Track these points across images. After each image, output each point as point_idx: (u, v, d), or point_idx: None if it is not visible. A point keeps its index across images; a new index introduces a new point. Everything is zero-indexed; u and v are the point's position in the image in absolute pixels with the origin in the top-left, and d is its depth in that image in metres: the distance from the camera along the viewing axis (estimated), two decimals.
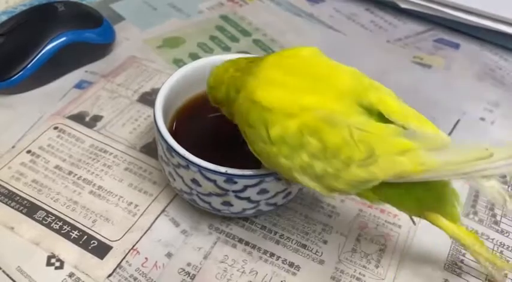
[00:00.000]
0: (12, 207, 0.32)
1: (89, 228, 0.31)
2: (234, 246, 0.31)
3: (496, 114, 0.42)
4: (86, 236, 0.31)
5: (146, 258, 0.30)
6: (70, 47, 0.40)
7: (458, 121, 0.40)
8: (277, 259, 0.31)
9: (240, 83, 0.27)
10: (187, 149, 0.28)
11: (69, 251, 0.30)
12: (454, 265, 0.31)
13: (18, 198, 0.32)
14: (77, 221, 0.31)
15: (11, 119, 0.37)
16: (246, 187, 0.28)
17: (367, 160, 0.23)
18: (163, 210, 0.32)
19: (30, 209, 0.32)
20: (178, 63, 0.44)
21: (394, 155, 0.23)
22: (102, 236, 0.31)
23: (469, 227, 0.33)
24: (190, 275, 0.29)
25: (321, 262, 0.31)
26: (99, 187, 0.33)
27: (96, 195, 0.33)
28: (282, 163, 0.25)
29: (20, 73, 0.38)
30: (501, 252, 0.32)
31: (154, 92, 0.40)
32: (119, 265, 0.30)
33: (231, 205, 0.29)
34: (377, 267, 0.30)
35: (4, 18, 0.44)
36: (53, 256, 0.30)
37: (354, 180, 0.24)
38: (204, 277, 0.29)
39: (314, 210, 0.33)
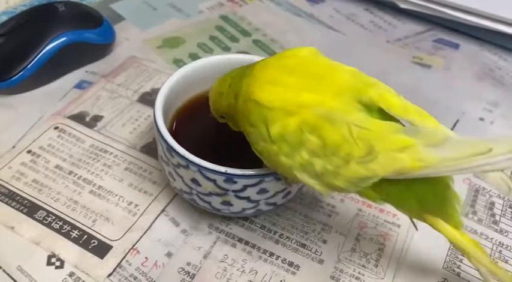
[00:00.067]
0: (13, 207, 0.32)
1: (89, 227, 0.31)
2: (234, 245, 0.31)
3: (495, 114, 0.42)
4: (86, 236, 0.31)
5: (146, 258, 0.30)
6: (70, 47, 0.40)
7: (457, 121, 0.41)
8: (277, 258, 0.31)
9: (238, 88, 0.27)
10: (187, 149, 0.28)
11: (69, 251, 0.30)
12: (453, 264, 0.31)
13: (18, 198, 0.32)
14: (77, 221, 0.31)
15: (11, 119, 0.38)
16: (245, 187, 0.28)
17: (367, 157, 0.23)
18: (163, 210, 0.32)
19: (30, 209, 0.32)
20: (178, 63, 0.44)
21: (394, 152, 0.23)
22: (102, 236, 0.31)
23: (468, 226, 0.33)
24: (190, 274, 0.30)
25: (321, 261, 0.31)
26: (100, 187, 0.33)
27: (96, 195, 0.33)
28: (283, 161, 0.25)
29: (21, 73, 0.38)
30: (500, 252, 0.32)
31: (154, 92, 0.40)
32: (119, 264, 0.30)
33: (231, 205, 0.29)
34: (376, 266, 0.31)
35: (4, 18, 0.44)
36: (53, 255, 0.30)
37: (353, 177, 0.24)
38: (203, 276, 0.29)
39: (313, 209, 0.33)
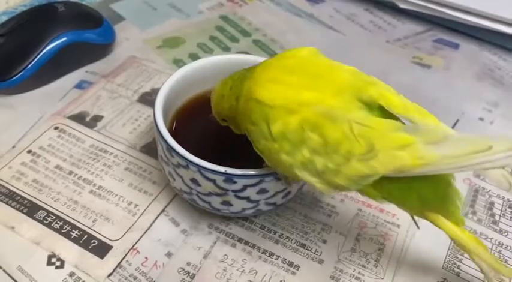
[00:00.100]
0: (13, 207, 0.32)
1: (89, 227, 0.31)
2: (234, 245, 0.31)
3: (495, 114, 0.42)
4: (86, 236, 0.31)
5: (146, 258, 0.30)
6: (70, 47, 0.40)
7: (457, 121, 0.41)
8: (277, 258, 0.31)
9: (239, 90, 0.27)
10: (187, 149, 0.28)
11: (69, 251, 0.30)
12: (452, 264, 0.31)
13: (18, 198, 0.32)
14: (77, 221, 0.31)
15: (11, 119, 0.38)
16: (245, 187, 0.28)
17: (367, 154, 0.23)
18: (163, 210, 0.33)
19: (30, 209, 0.32)
20: (178, 63, 0.44)
21: (394, 150, 0.23)
22: (103, 236, 0.31)
23: (467, 226, 0.33)
24: (190, 274, 0.30)
25: (320, 261, 0.31)
26: (100, 187, 0.34)
27: (97, 195, 0.33)
28: (284, 160, 0.25)
29: (21, 73, 0.39)
30: (500, 251, 0.32)
31: (154, 92, 0.40)
32: (119, 264, 0.30)
33: (231, 205, 0.29)
34: (376, 266, 0.31)
35: (4, 18, 0.44)
36: (54, 255, 0.30)
37: (354, 175, 0.24)
38: (203, 276, 0.29)
39: (313, 209, 0.33)
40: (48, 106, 0.39)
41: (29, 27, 0.40)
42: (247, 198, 0.29)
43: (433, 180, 0.25)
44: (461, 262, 0.31)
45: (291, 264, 0.30)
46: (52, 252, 0.30)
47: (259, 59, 0.34)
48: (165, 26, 0.48)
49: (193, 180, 0.29)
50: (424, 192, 0.25)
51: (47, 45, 0.39)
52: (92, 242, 0.31)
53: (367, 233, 0.32)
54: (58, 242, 0.30)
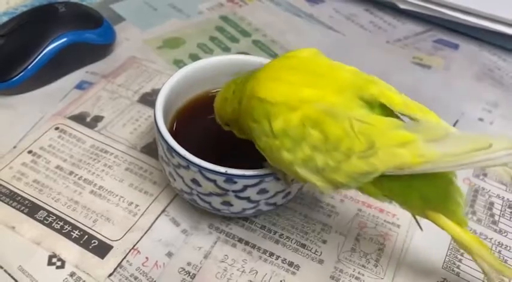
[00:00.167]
0: (14, 207, 0.32)
1: (89, 228, 0.31)
2: (234, 245, 0.31)
3: (494, 115, 0.42)
4: (86, 236, 0.31)
5: (147, 258, 0.30)
6: (71, 47, 0.40)
7: (457, 121, 0.41)
8: (277, 258, 0.31)
9: (242, 93, 0.28)
10: (187, 150, 0.28)
11: (70, 251, 0.30)
12: (452, 264, 0.31)
13: (19, 198, 0.32)
14: (77, 221, 0.32)
15: (12, 120, 0.38)
16: (245, 187, 0.28)
17: (368, 152, 0.23)
18: (163, 210, 0.33)
19: (31, 209, 0.32)
20: (179, 63, 0.44)
21: (394, 147, 0.23)
22: (103, 236, 0.31)
23: (467, 226, 0.33)
24: (191, 274, 0.30)
25: (320, 261, 0.31)
26: (100, 187, 0.34)
27: (97, 195, 0.33)
28: (284, 157, 0.25)
29: (21, 74, 0.39)
30: (499, 251, 0.32)
31: (155, 92, 0.40)
32: (119, 264, 0.30)
33: (231, 205, 0.29)
34: (376, 266, 0.31)
35: (5, 19, 0.44)
36: (54, 255, 0.30)
37: (354, 172, 0.24)
38: (204, 276, 0.30)
39: (313, 210, 0.33)
40: (49, 106, 0.39)
41: (29, 28, 0.40)
42: (248, 199, 0.29)
43: (434, 178, 0.25)
44: (461, 262, 0.31)
45: (291, 264, 0.31)
46: (53, 252, 0.30)
47: (259, 59, 0.34)
48: (165, 27, 0.48)
49: (194, 181, 0.29)
50: (425, 190, 0.25)
51: (47, 46, 0.39)
52: (92, 242, 0.31)
53: (367, 233, 0.32)
54: (59, 242, 0.30)
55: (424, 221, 0.26)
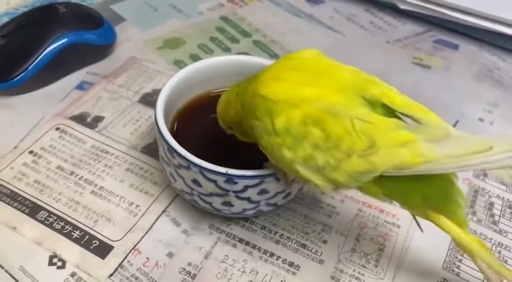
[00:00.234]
0: (15, 207, 0.32)
1: (90, 228, 0.31)
2: (235, 246, 0.31)
3: (495, 115, 0.42)
4: (87, 236, 0.31)
5: (147, 258, 0.30)
6: (71, 48, 0.40)
7: (457, 122, 0.41)
8: (277, 259, 0.31)
9: (244, 94, 0.28)
10: (188, 150, 0.28)
11: (71, 251, 0.30)
12: (452, 265, 0.31)
13: (20, 198, 0.33)
14: (78, 221, 0.32)
15: (13, 120, 0.38)
16: (246, 187, 0.28)
17: (368, 150, 0.23)
18: (164, 211, 0.33)
19: (32, 209, 0.32)
20: (179, 64, 0.44)
21: (395, 147, 0.23)
22: (104, 236, 0.31)
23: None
24: (191, 274, 0.30)
25: (321, 262, 0.31)
26: (101, 187, 0.34)
27: (98, 196, 0.33)
28: (286, 155, 0.25)
29: (22, 74, 0.39)
30: (499, 252, 0.32)
31: (155, 93, 0.40)
32: (120, 265, 0.30)
33: (232, 205, 0.29)
34: (376, 266, 0.31)
35: (5, 19, 0.44)
36: (55, 256, 0.30)
37: (354, 171, 0.24)
38: (204, 277, 0.30)
39: (314, 210, 0.33)
40: (50, 107, 0.39)
41: (30, 28, 0.40)
42: (248, 199, 0.29)
43: (435, 178, 0.25)
44: (461, 262, 0.31)
45: (291, 264, 0.31)
46: (54, 253, 0.30)
47: (260, 60, 0.34)
48: (165, 27, 0.48)
49: (195, 181, 0.29)
50: (426, 190, 0.25)
51: (48, 46, 0.39)
52: (93, 242, 0.31)
53: (368, 234, 0.32)
54: (59, 243, 0.30)
55: (424, 221, 0.26)
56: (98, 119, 0.38)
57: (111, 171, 0.35)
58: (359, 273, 0.30)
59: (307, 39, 0.48)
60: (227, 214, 0.31)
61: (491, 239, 0.33)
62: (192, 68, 0.33)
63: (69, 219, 0.32)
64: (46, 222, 0.31)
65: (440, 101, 0.42)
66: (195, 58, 0.44)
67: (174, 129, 0.33)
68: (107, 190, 0.33)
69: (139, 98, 0.40)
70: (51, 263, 0.30)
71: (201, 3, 0.51)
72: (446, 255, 0.31)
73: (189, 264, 0.30)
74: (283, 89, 0.26)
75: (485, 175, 0.36)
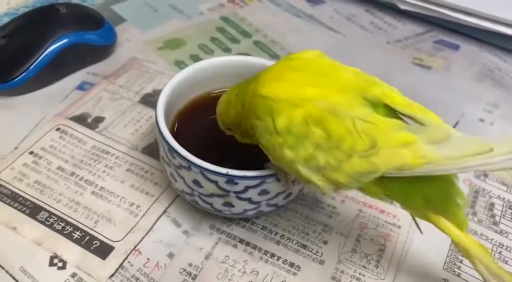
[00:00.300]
0: (15, 208, 0.32)
1: (91, 228, 0.31)
2: (235, 246, 0.31)
3: (495, 115, 0.42)
4: (88, 237, 0.31)
5: (148, 259, 0.30)
6: (72, 48, 0.40)
7: (457, 122, 0.41)
8: (278, 259, 0.31)
9: (245, 95, 0.28)
10: (188, 150, 0.28)
11: (71, 252, 0.30)
12: (453, 265, 0.31)
13: (20, 199, 0.33)
14: (79, 222, 0.32)
15: (13, 120, 0.38)
16: (247, 188, 0.28)
17: (369, 151, 0.23)
18: (164, 211, 0.33)
19: (32, 210, 0.32)
20: (180, 64, 0.44)
21: (396, 148, 0.23)
22: (104, 237, 0.31)
23: (468, 227, 0.33)
24: (192, 275, 0.30)
25: (321, 262, 0.31)
26: (101, 188, 0.34)
27: (98, 196, 0.33)
28: (286, 155, 0.25)
29: (23, 74, 0.39)
30: (500, 252, 0.32)
31: (156, 93, 0.40)
32: (121, 265, 0.30)
33: (232, 206, 0.29)
34: (377, 267, 0.31)
35: (6, 20, 0.44)
36: (56, 256, 0.30)
37: (355, 172, 0.24)
38: (205, 277, 0.30)
39: (314, 210, 0.33)
40: (50, 107, 0.39)
41: (30, 29, 0.40)
42: (249, 200, 0.29)
43: (436, 179, 0.25)
44: (461, 263, 0.31)
45: (292, 265, 0.31)
46: (54, 253, 0.30)
47: (260, 60, 0.34)
48: (165, 27, 0.48)
49: (195, 182, 0.29)
50: (426, 191, 0.25)
51: (48, 47, 0.39)
52: (93, 243, 0.31)
53: (368, 234, 0.32)
54: (60, 243, 0.30)
55: (424, 222, 0.26)
56: (99, 120, 0.38)
57: (112, 171, 0.35)
58: (360, 273, 0.30)
59: (308, 39, 0.48)
60: (228, 215, 0.31)
61: (491, 239, 0.33)
62: (193, 68, 0.33)
63: (69, 219, 0.32)
64: (46, 222, 0.31)
65: (440, 101, 0.42)
66: (195, 58, 0.44)
67: (175, 129, 0.33)
68: (108, 191, 0.33)
69: (140, 99, 0.40)
70: (51, 264, 0.30)
71: (202, 4, 0.51)
72: (447, 256, 0.31)
73: (190, 264, 0.30)
74: (285, 89, 0.26)
75: (486, 176, 0.36)
